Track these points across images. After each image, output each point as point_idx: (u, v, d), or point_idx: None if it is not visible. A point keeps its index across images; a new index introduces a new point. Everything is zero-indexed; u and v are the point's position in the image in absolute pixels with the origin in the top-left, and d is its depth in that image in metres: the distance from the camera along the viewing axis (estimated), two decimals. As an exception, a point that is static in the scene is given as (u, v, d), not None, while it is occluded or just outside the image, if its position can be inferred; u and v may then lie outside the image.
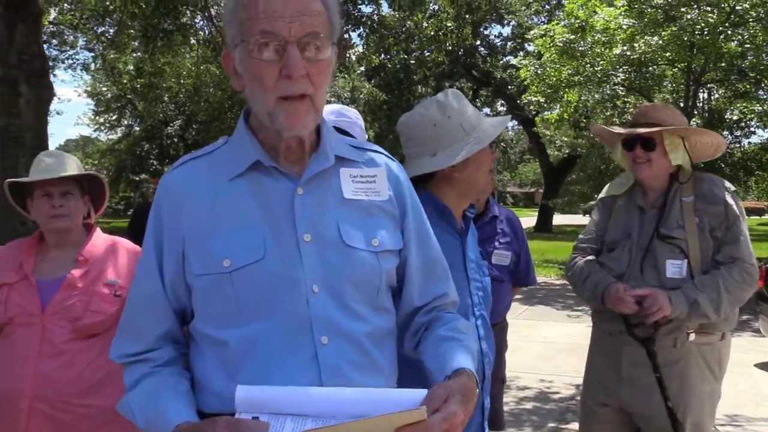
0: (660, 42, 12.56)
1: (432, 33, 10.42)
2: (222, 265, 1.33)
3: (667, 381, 2.65)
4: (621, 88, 15.46)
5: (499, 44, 32.19)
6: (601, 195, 3.07)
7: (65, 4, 14.76)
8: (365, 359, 1.40)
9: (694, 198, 2.71)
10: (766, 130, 18.62)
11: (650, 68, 14.18)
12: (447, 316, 1.58)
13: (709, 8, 12.14)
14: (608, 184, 3.08)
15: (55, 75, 24.78)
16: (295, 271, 1.34)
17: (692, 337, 2.66)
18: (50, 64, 21.24)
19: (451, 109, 2.00)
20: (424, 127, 2.01)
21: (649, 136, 2.69)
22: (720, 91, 17.31)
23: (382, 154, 1.57)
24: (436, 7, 10.62)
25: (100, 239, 2.56)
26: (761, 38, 12.32)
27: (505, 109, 32.52)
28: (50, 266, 2.46)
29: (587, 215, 24.90)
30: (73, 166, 2.53)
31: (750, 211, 62.55)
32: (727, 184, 2.77)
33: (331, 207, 1.41)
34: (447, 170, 2.00)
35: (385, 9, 10.57)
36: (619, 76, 14.36)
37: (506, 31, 32.62)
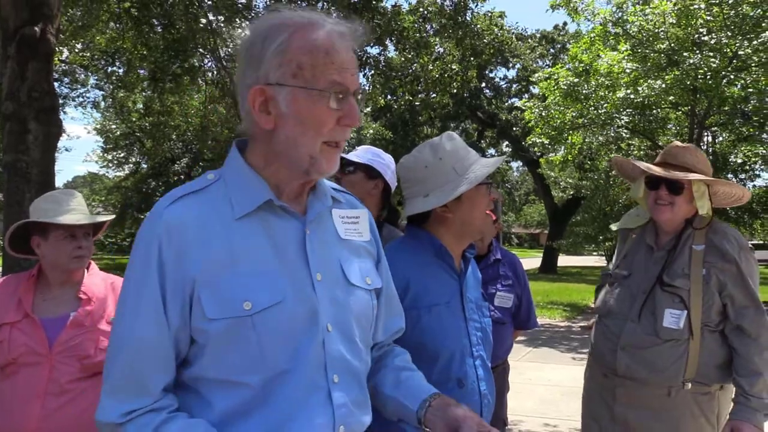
0: (663, 86, 12.68)
1: (437, 75, 10.54)
2: (242, 308, 1.28)
3: (658, 426, 2.62)
4: (625, 131, 15.56)
5: (504, 86, 32.59)
6: (618, 226, 3.05)
7: (77, 45, 15.02)
8: (363, 396, 1.45)
9: (705, 248, 2.64)
10: (770, 174, 18.65)
11: (654, 111, 14.29)
12: (397, 349, 1.66)
13: (711, 53, 12.27)
14: (625, 215, 3.06)
15: (65, 112, 25.12)
16: (314, 312, 1.34)
17: (688, 386, 2.60)
18: (61, 101, 21.60)
19: (443, 152, 2.03)
20: (417, 168, 2.05)
21: (678, 180, 2.63)
22: (724, 135, 17.39)
23: (354, 197, 1.62)
24: (442, 50, 10.76)
25: (98, 276, 2.58)
26: (764, 82, 12.44)
27: (510, 150, 32.72)
28: (51, 304, 2.46)
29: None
30: (84, 208, 2.58)
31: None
32: (740, 239, 2.68)
33: (332, 246, 1.44)
34: (440, 211, 2.02)
35: (392, 51, 10.72)
36: (623, 119, 14.46)
37: (511, 74, 32.98)
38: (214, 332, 1.28)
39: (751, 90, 12.68)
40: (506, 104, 31.67)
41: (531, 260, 34.93)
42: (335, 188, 1.55)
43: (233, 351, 1.29)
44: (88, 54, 15.70)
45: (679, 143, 2.86)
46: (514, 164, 38.17)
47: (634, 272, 2.77)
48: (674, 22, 12.70)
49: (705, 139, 16.64)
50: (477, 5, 10.03)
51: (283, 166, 1.37)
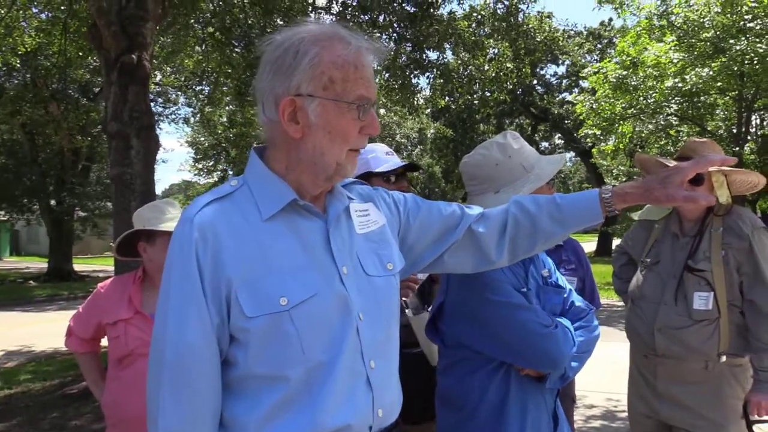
0: (710, 73, 12.10)
1: (493, 74, 10.38)
2: (279, 304, 1.25)
3: (700, 397, 2.62)
4: (674, 119, 14.94)
5: (554, 82, 31.85)
6: (640, 216, 3.04)
7: (168, 68, 15.51)
8: (396, 378, 1.44)
9: (723, 230, 2.64)
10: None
11: (702, 98, 13.67)
12: (486, 212, 1.64)
13: (757, 39, 11.63)
14: (646, 207, 3.03)
15: (160, 128, 25.97)
16: (346, 302, 1.32)
17: (723, 358, 2.59)
18: (156, 119, 22.33)
19: (512, 150, 1.99)
20: (487, 166, 1.99)
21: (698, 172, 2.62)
22: (772, 117, 16.50)
23: (362, 184, 1.60)
24: (496, 51, 10.60)
25: None
26: (812, 65, 11.69)
27: (563, 142, 32.02)
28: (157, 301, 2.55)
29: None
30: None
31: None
32: (755, 220, 2.66)
33: (351, 241, 1.41)
34: None
35: (449, 55, 10.61)
36: (671, 107, 13.88)
37: (561, 70, 32.17)
38: (254, 329, 1.25)
39: (798, 72, 11.95)
40: (557, 99, 30.94)
41: (586, 244, 34.05)
42: (344, 184, 1.52)
43: (276, 346, 1.25)
44: (178, 76, 16.20)
45: (696, 138, 2.86)
46: (568, 155, 37.30)
47: (662, 259, 2.78)
48: (719, 11, 12.09)
49: (753, 122, 15.83)
50: (528, 6, 9.81)
51: (305, 172, 1.35)
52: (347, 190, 1.51)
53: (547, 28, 12.36)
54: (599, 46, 29.92)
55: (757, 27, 11.64)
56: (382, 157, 2.73)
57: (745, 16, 11.74)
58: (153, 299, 2.55)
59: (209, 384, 1.25)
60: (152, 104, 20.93)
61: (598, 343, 1.94)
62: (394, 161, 2.69)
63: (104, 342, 2.77)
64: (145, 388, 1.28)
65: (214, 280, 1.25)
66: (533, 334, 1.79)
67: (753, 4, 11.60)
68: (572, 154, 32.59)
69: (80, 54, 11.59)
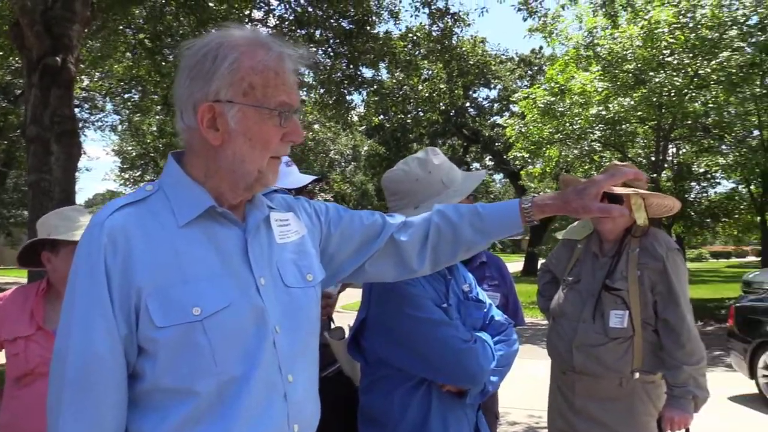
0: (632, 103, 12.73)
1: (427, 95, 10.57)
2: (192, 314, 1.17)
3: (614, 413, 2.68)
4: (597, 145, 15.59)
5: (486, 106, 32.66)
6: (564, 236, 3.13)
7: (96, 73, 14.98)
8: (314, 392, 1.40)
9: (639, 251, 2.73)
10: (729, 181, 18.70)
11: (623, 126, 14.32)
12: (408, 221, 1.62)
13: (674, 73, 12.32)
14: (569, 227, 3.14)
15: (85, 135, 25.03)
16: (262, 314, 1.27)
17: (636, 375, 2.66)
18: (82, 125, 21.50)
19: (432, 166, 1.99)
20: (407, 182, 1.99)
21: (617, 194, 2.69)
22: (687, 146, 17.44)
23: (284, 194, 1.56)
24: (430, 72, 10.80)
25: None
26: (722, 99, 12.50)
27: (493, 163, 32.78)
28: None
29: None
30: None
31: (717, 255, 62.60)
32: (669, 241, 2.76)
33: (270, 251, 1.37)
34: None
35: (384, 73, 10.73)
36: (595, 134, 14.48)
37: (493, 94, 33.05)
38: (164, 340, 1.17)
39: (710, 106, 12.76)
40: (489, 122, 31.73)
41: (514, 264, 34.85)
42: (265, 193, 1.45)
43: (186, 357, 1.18)
44: (106, 82, 15.67)
45: (617, 162, 3.00)
46: (497, 176, 38.25)
47: (582, 278, 2.84)
48: (641, 44, 12.74)
49: (670, 150, 16.69)
50: (462, 29, 10.04)
51: (225, 180, 1.29)
52: (268, 199, 1.45)
53: (480, 52, 12.71)
54: (530, 72, 30.92)
55: (675, 61, 12.35)
56: (284, 168, 2.64)
57: (664, 51, 12.42)
58: (57, 314, 2.36)
59: (115, 398, 1.18)
60: (78, 110, 20.24)
61: (522, 360, 1.95)
62: (294, 172, 2.65)
63: (1, 359, 2.59)
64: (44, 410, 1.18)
65: (122, 288, 1.17)
66: (453, 350, 1.79)
67: (671, 40, 12.30)
68: (501, 175, 33.39)
69: (0, 53, 11.05)
